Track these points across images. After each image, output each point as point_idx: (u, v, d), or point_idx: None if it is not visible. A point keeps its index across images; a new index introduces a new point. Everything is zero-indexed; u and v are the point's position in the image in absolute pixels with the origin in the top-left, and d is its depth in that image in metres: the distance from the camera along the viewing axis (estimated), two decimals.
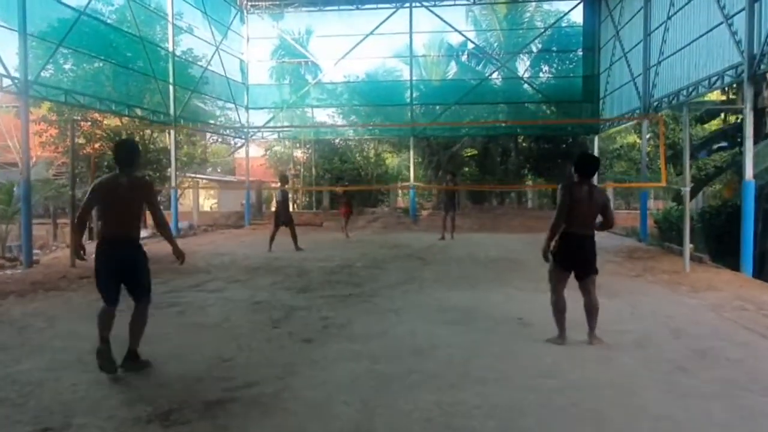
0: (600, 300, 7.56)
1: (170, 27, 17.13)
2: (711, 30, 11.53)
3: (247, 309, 7.11)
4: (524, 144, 26.31)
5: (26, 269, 10.91)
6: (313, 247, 14.24)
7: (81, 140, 18.58)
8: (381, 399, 4.07)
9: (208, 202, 31.55)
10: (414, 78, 24.09)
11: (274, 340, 5.65)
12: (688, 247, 9.98)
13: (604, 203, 5.50)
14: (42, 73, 13.22)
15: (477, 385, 4.38)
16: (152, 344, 5.48)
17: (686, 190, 9.82)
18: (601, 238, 14.34)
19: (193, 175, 26.50)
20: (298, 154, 27.96)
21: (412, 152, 23.18)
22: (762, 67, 9.51)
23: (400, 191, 27.83)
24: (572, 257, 5.46)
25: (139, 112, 16.11)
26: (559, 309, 5.52)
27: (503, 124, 22.66)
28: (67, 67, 14.78)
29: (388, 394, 4.18)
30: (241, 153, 40.96)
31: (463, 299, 7.72)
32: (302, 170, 26.99)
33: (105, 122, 19.11)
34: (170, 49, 17.06)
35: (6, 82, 10.78)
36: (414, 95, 23.17)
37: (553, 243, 5.46)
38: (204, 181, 29.57)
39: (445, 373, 4.64)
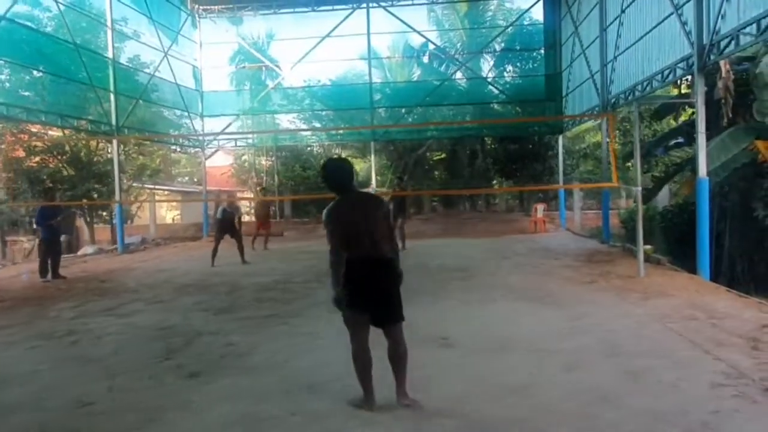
0: (543, 312, 7.13)
1: (109, 33, 16.32)
2: (662, 21, 11.06)
3: (148, 337, 6.40)
4: (492, 146, 25.79)
5: None
6: (261, 260, 13.57)
7: (21, 153, 17.79)
8: None
9: (170, 213, 30.62)
10: (377, 81, 23.59)
11: (156, 376, 4.96)
12: (642, 250, 9.44)
13: (384, 212, 4.21)
14: None
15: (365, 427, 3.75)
16: (13, 385, 4.81)
17: (638, 189, 9.30)
18: (563, 240, 13.60)
19: (151, 187, 25.64)
20: (263, 162, 27.18)
21: (373, 156, 22.59)
22: (712, 57, 9.03)
23: None
24: (360, 290, 4.04)
25: (76, 123, 15.23)
26: (361, 365, 4.09)
27: (466, 125, 22.07)
28: None
29: None
30: (209, 162, 40.61)
31: None
32: (265, 179, 26.23)
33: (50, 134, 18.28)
34: (110, 55, 16.22)
35: None
36: (378, 99, 22.60)
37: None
38: (167, 193, 28.71)
39: (334, 413, 4.00)
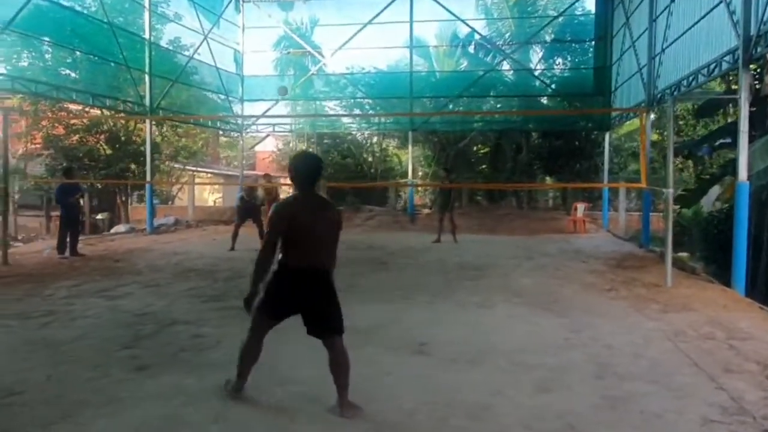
0: (542, 321, 6.57)
1: (147, 14, 16.40)
2: (711, 11, 10.14)
3: (121, 323, 6.20)
4: (536, 141, 24.84)
5: None
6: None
7: (61, 131, 18.17)
8: None
9: (212, 196, 30.99)
10: (423, 71, 23.08)
11: (103, 366, 4.72)
12: (670, 257, 8.69)
13: (338, 222, 3.90)
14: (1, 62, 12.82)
15: None
16: None
17: (668, 192, 8.52)
18: (600, 242, 12.80)
19: (193, 169, 25.93)
20: (303, 149, 27.06)
21: (410, 146, 22.06)
22: (759, 49, 8.15)
23: (397, 188, 26.71)
24: (289, 301, 3.75)
25: (110, 102, 15.40)
26: (248, 355, 3.92)
27: (509, 117, 21.31)
28: (26, 56, 14.15)
29: None
30: (260, 147, 40.93)
31: (379, 315, 6.67)
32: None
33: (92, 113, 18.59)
34: (147, 36, 16.30)
35: None
36: (421, 88, 22.04)
37: (261, 285, 3.77)
38: (209, 175, 29.02)
39: (257, 423, 3.64)
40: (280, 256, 3.74)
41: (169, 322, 6.22)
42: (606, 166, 19.58)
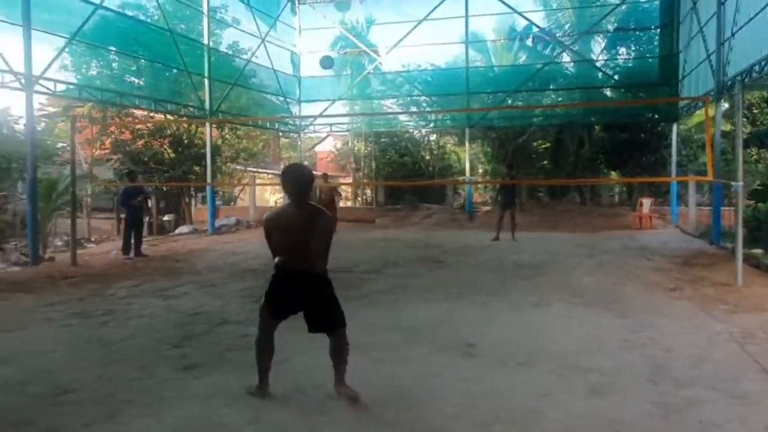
0: (600, 321, 6.28)
1: (205, 20, 16.83)
2: None
3: (174, 322, 6.32)
4: (600, 134, 23.98)
5: (30, 266, 10.81)
6: (336, 248, 13.39)
7: (128, 136, 18.88)
8: None
9: (273, 197, 31.54)
10: (480, 66, 22.73)
11: (151, 366, 4.80)
12: (741, 254, 8.16)
13: (312, 228, 3.86)
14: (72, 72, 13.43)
15: None
16: (15, 365, 4.86)
17: (737, 185, 7.99)
18: (667, 238, 12.34)
19: (254, 170, 26.46)
20: (361, 149, 27.17)
21: (467, 144, 21.75)
22: None
23: (455, 186, 26.36)
24: (281, 299, 4.01)
25: (170, 107, 15.90)
26: (262, 350, 4.09)
27: (570, 111, 20.65)
28: (94, 65, 14.79)
29: None
30: (320, 147, 41.42)
31: (430, 314, 6.56)
32: (363, 165, 26.24)
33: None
34: (206, 42, 16.72)
35: (9, 77, 10.70)
36: (479, 84, 21.69)
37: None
38: (270, 176, 29.53)
39: (294, 426, 3.59)
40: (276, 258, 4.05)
41: (220, 322, 6.30)
42: (674, 159, 18.72)
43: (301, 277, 3.91)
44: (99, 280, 9.11)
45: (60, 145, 20.41)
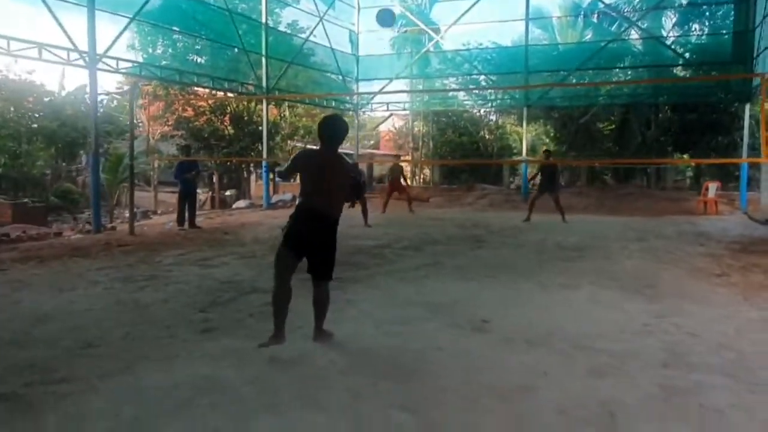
0: (628, 305, 6.12)
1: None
2: None
3: (207, 289, 6.61)
4: (667, 114, 22.95)
5: (93, 234, 11.51)
6: (385, 224, 13.57)
7: (191, 113, 19.58)
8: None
9: None
10: (542, 44, 22.19)
11: (174, 327, 5.08)
12: None
13: (349, 178, 4.50)
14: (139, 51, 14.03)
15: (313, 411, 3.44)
16: (54, 321, 5.25)
17: None
18: (731, 224, 11.89)
19: (314, 148, 26.87)
20: (419, 128, 27.09)
21: (525, 123, 21.31)
22: None
23: (512, 166, 25.88)
24: (300, 236, 4.34)
25: (228, 85, 16.37)
26: (279, 299, 4.41)
27: (635, 90, 19.84)
28: (159, 44, 15.39)
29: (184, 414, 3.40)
30: (383, 126, 41.60)
31: (455, 292, 6.58)
32: (420, 144, 26.17)
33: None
34: (263, 21, 17.06)
35: (73, 55, 11.29)
36: (542, 62, 21.17)
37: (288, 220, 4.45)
38: None
39: (290, 387, 3.74)
40: (298, 199, 4.47)
41: (249, 290, 6.54)
42: (745, 141, 17.72)
43: (319, 216, 4.29)
44: (150, 249, 9.60)
45: (134, 121, 21.44)
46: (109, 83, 44.06)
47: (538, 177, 14.93)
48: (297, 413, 3.39)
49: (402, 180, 16.52)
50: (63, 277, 7.32)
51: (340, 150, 4.64)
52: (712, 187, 17.16)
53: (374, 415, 3.38)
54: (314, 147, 4.60)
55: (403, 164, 17.76)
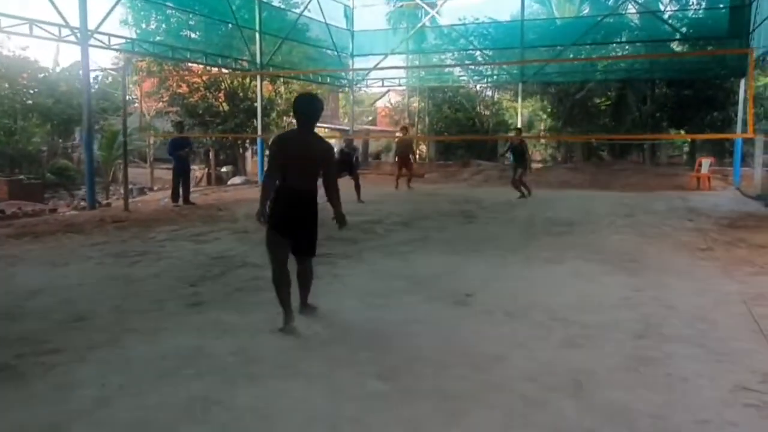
0: (609, 278, 6.24)
1: None
2: None
3: (198, 264, 6.75)
4: (663, 90, 22.91)
5: (88, 210, 11.61)
6: (378, 200, 13.66)
7: (185, 89, 19.54)
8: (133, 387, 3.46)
9: None
10: (538, 19, 22.02)
11: (163, 301, 5.21)
12: None
13: (323, 157, 4.45)
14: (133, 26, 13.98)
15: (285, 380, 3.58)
16: (46, 295, 5.37)
17: None
18: (722, 200, 11.95)
19: None
20: (415, 104, 27.03)
21: (519, 98, 21.20)
22: None
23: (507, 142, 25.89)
24: (285, 217, 4.38)
25: (221, 61, 16.32)
26: (280, 286, 4.41)
27: (630, 65, 19.76)
28: (153, 20, 15.32)
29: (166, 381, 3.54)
30: (380, 103, 41.44)
31: (440, 267, 6.71)
32: (416, 120, 26.11)
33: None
34: None
35: (65, 32, 11.27)
36: (539, 38, 21.02)
37: (268, 203, 4.45)
38: (326, 131, 29.90)
39: (277, 359, 3.88)
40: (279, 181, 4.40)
41: (240, 265, 6.67)
42: (740, 117, 17.72)
43: (306, 199, 4.38)
44: (144, 225, 9.70)
45: (128, 97, 21.37)
46: (106, 59, 43.77)
47: (509, 155, 15.04)
48: (276, 381, 3.53)
49: (411, 155, 16.60)
50: (57, 252, 7.44)
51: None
52: (705, 163, 17.22)
53: (350, 383, 3.52)
54: (288, 130, 4.74)
55: (410, 137, 17.74)
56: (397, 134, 25.97)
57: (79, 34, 11.35)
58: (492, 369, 3.75)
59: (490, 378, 3.62)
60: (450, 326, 4.61)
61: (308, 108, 4.43)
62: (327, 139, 5.28)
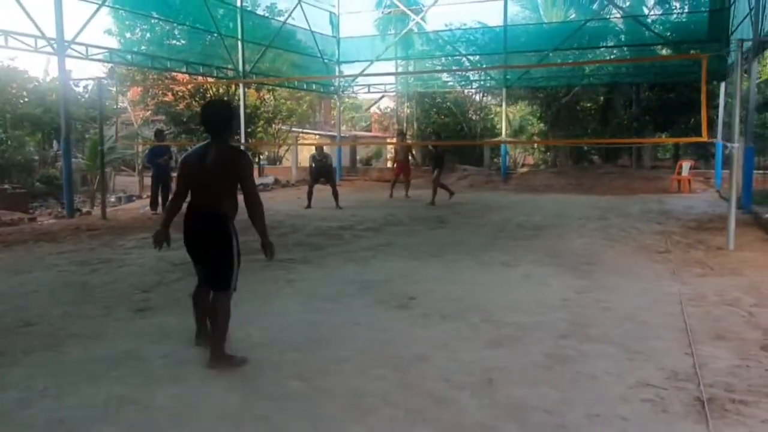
0: (556, 281, 6.35)
1: None
2: None
3: (157, 270, 6.89)
4: (646, 94, 23.05)
5: (66, 219, 11.74)
6: (356, 206, 13.83)
7: (170, 98, 19.74)
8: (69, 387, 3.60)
9: None
10: (532, 24, 22.23)
11: (112, 307, 5.34)
12: (733, 218, 7.97)
13: (234, 172, 3.84)
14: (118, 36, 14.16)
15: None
16: (1, 302, 5.50)
17: (732, 146, 7.76)
18: (698, 202, 12.10)
19: (299, 131, 27.04)
20: (405, 110, 27.21)
21: (504, 103, 21.39)
22: None
23: (494, 147, 26.05)
24: (188, 241, 3.99)
25: (202, 69, 16.51)
26: (193, 302, 4.21)
27: (605, 69, 19.92)
28: (138, 30, 15.52)
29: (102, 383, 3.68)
30: (375, 108, 41.68)
31: (394, 271, 6.84)
32: (405, 125, 26.27)
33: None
34: (238, 4, 17.16)
35: (41, 42, 11.44)
36: (526, 43, 21.18)
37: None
38: (316, 137, 30.10)
39: (190, 366, 4.01)
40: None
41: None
42: (720, 119, 17.86)
43: (210, 221, 3.87)
44: (117, 233, 9.84)
45: (115, 106, 21.59)
46: (97, 70, 44.00)
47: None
48: (197, 384, 3.66)
49: (411, 160, 16.71)
50: (23, 260, 7.59)
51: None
52: (686, 166, 17.36)
53: (269, 384, 3.65)
54: (198, 146, 4.08)
55: (409, 143, 17.88)
56: (390, 140, 26.18)
57: (56, 45, 11.49)
58: (411, 369, 3.88)
59: (406, 378, 3.74)
60: (384, 329, 4.74)
61: (210, 116, 3.93)
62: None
